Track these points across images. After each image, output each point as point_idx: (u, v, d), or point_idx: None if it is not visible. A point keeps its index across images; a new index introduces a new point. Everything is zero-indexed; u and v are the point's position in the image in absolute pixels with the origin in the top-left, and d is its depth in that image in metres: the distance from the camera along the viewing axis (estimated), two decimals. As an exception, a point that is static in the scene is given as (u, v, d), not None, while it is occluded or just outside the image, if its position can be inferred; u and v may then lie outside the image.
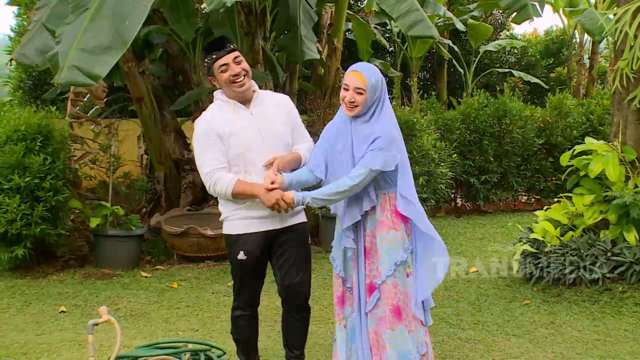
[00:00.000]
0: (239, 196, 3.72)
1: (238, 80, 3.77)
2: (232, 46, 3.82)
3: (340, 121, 3.85)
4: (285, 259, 3.90)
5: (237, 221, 3.82)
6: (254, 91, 3.91)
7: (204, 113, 3.93)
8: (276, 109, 3.94)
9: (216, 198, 3.90)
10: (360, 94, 3.66)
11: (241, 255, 3.79)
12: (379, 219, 3.74)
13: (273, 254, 3.91)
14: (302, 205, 3.72)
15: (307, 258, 4.02)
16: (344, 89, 3.74)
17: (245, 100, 3.85)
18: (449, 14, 11.32)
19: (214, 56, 3.77)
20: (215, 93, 3.95)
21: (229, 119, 3.79)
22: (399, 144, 3.74)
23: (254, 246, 3.80)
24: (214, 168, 3.73)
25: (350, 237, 3.78)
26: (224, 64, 3.75)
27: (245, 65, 3.81)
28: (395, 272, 3.70)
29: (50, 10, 7.02)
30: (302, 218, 3.99)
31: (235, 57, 3.78)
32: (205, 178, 3.76)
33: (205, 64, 3.83)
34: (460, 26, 12.35)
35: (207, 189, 3.78)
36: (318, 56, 8.82)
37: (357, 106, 3.69)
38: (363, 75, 3.69)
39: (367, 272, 3.77)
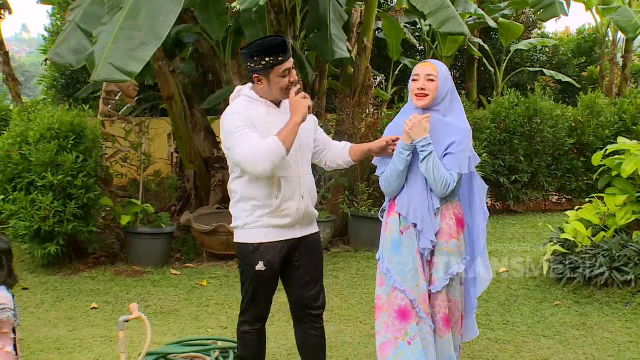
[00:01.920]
0: (289, 140, 3.43)
1: (291, 88, 3.60)
2: (290, 50, 3.63)
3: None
4: (303, 271, 3.74)
5: (256, 230, 3.61)
6: None
7: (233, 108, 3.64)
8: None
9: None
10: (432, 80, 3.55)
11: (260, 266, 3.59)
12: (438, 226, 3.60)
13: (289, 265, 3.72)
14: (420, 148, 3.51)
15: (322, 269, 3.89)
16: (414, 80, 3.61)
17: (276, 102, 3.68)
18: (480, 12, 11.23)
19: (281, 58, 3.51)
20: (241, 89, 3.72)
21: (262, 119, 3.57)
22: None
23: (274, 257, 3.62)
24: (255, 136, 3.46)
25: (429, 238, 3.57)
26: (288, 69, 3.55)
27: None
28: (451, 282, 3.61)
29: (83, 10, 7.12)
30: (316, 228, 3.84)
31: (294, 63, 3.64)
32: (248, 158, 3.43)
33: (264, 63, 3.51)
34: (492, 23, 12.25)
35: (253, 167, 3.43)
36: (348, 55, 8.81)
37: (427, 95, 3.56)
38: (433, 64, 3.62)
39: (427, 278, 3.63)
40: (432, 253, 3.61)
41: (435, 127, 3.56)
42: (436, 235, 3.58)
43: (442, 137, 3.55)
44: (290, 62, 3.58)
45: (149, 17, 5.93)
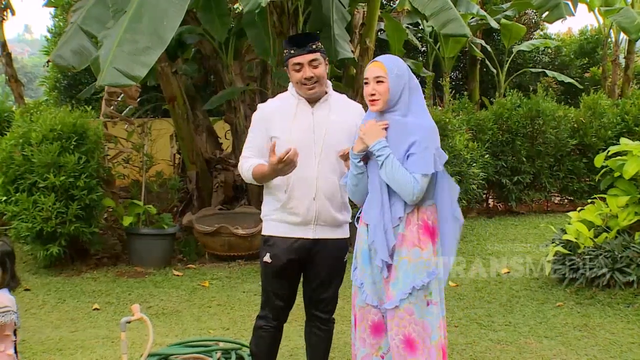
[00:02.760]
0: (259, 180, 3.67)
1: (308, 84, 3.59)
2: (314, 46, 3.61)
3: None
4: (315, 273, 3.72)
5: (269, 222, 3.69)
6: (325, 92, 3.70)
7: (269, 100, 3.87)
8: (342, 117, 3.70)
9: (248, 197, 3.85)
10: (381, 82, 3.24)
11: (267, 258, 3.65)
12: (400, 233, 3.23)
13: (304, 265, 3.71)
14: (377, 153, 3.25)
15: (340, 275, 3.82)
16: (365, 84, 3.33)
17: (311, 100, 3.67)
18: (482, 12, 11.22)
19: (292, 52, 3.61)
20: (290, 84, 3.78)
21: (287, 114, 3.64)
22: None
23: (281, 251, 3.63)
24: (246, 155, 3.72)
25: (384, 250, 3.24)
26: (299, 64, 3.58)
27: (320, 70, 3.60)
28: (411, 298, 3.15)
29: (85, 12, 7.13)
30: (342, 233, 3.75)
31: (313, 60, 3.58)
32: (239, 160, 3.79)
33: (284, 56, 3.71)
34: (494, 24, 12.23)
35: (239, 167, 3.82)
36: (352, 55, 8.80)
37: (378, 99, 3.26)
38: (382, 63, 3.28)
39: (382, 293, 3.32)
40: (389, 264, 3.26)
41: (394, 129, 3.28)
42: (396, 242, 3.24)
43: (402, 138, 3.24)
44: (302, 57, 3.58)
45: (153, 21, 5.93)
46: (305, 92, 3.62)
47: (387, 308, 3.23)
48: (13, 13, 10.60)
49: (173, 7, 6.04)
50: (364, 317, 3.39)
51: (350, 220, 3.78)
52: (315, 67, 3.59)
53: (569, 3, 8.51)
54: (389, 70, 3.25)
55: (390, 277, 3.23)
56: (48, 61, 8.40)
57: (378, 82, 3.26)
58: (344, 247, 3.79)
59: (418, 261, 3.18)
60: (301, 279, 3.83)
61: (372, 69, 3.31)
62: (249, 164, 3.66)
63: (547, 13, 8.71)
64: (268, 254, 3.66)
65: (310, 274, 3.75)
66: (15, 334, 3.32)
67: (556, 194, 11.24)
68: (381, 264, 3.25)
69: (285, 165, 3.42)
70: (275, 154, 3.42)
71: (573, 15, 8.56)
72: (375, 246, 3.28)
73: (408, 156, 3.23)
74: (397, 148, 3.24)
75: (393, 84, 3.24)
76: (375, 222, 3.29)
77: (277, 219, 3.66)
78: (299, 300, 3.88)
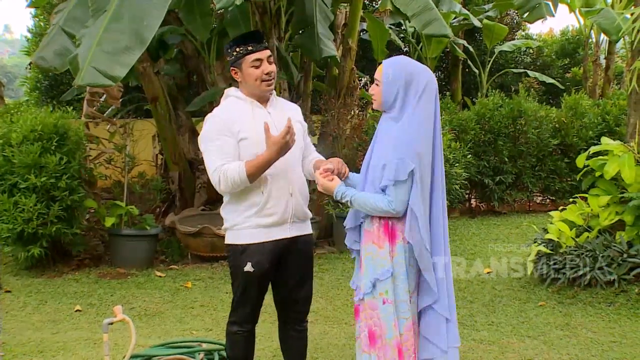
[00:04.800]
0: (255, 174, 3.44)
1: (269, 79, 3.57)
2: (266, 43, 3.62)
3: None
4: (290, 273, 3.72)
5: (243, 231, 3.59)
6: (270, 93, 3.70)
7: (215, 109, 3.65)
8: (291, 114, 3.70)
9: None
10: (377, 85, 3.33)
11: (248, 267, 3.55)
12: (367, 229, 3.34)
13: (279, 266, 3.68)
14: (340, 200, 3.36)
15: (312, 272, 3.86)
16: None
17: (262, 100, 3.64)
18: (465, 11, 11.27)
19: (250, 48, 3.52)
20: (227, 90, 3.72)
21: (246, 116, 3.57)
22: (422, 155, 3.23)
23: (263, 257, 3.56)
24: (223, 163, 3.47)
25: (353, 238, 3.45)
26: (258, 59, 3.52)
27: (274, 66, 3.62)
28: (374, 292, 3.25)
29: (67, 13, 7.08)
30: (309, 228, 3.79)
31: (269, 56, 3.57)
32: (213, 175, 3.49)
33: (235, 54, 3.55)
34: (476, 23, 12.28)
35: (216, 185, 3.52)
36: (335, 53, 8.79)
37: (375, 100, 3.37)
38: (382, 66, 3.35)
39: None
40: (362, 258, 3.38)
41: (383, 131, 3.34)
42: (364, 237, 3.37)
43: (383, 145, 3.29)
44: (262, 53, 3.54)
45: (133, 21, 5.90)
46: (263, 89, 3.59)
47: (356, 300, 3.37)
48: (-7, 13, 10.50)
49: (154, 7, 6.01)
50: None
51: (312, 215, 3.86)
52: (271, 62, 3.60)
53: (549, 3, 8.60)
54: (384, 74, 3.31)
55: (361, 270, 3.35)
56: (30, 63, 8.34)
57: (376, 83, 3.35)
58: (312, 242, 3.84)
59: (376, 258, 3.27)
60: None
61: (377, 71, 3.39)
62: (234, 165, 3.46)
63: (527, 13, 8.79)
64: (249, 263, 3.57)
65: (285, 274, 3.72)
66: None
67: (538, 194, 11.31)
68: (355, 247, 3.46)
69: (290, 137, 3.39)
70: (270, 132, 3.40)
71: (553, 15, 8.65)
72: (347, 231, 3.49)
73: (384, 166, 3.24)
74: (379, 152, 3.31)
75: (386, 88, 3.30)
76: (349, 215, 3.49)
77: (252, 226, 3.57)
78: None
